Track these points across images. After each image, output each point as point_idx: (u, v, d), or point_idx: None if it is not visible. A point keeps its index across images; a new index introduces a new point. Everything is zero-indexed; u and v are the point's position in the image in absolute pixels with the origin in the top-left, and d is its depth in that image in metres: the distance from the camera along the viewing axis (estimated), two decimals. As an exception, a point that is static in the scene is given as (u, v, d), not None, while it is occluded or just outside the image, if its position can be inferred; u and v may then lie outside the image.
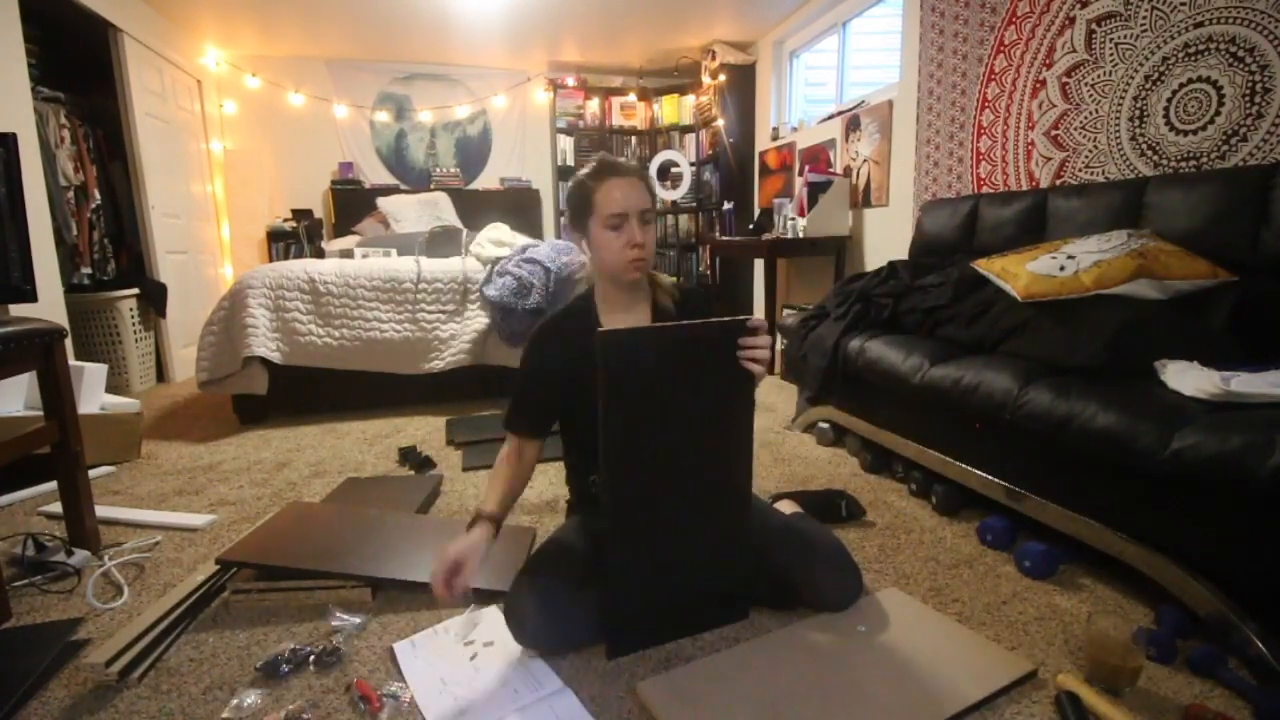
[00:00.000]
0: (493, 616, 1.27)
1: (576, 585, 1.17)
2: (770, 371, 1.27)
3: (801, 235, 3.40)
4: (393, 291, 2.87)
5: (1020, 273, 1.73)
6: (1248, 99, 1.71)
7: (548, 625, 1.14)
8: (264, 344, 2.64)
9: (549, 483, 1.99)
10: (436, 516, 1.78)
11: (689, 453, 1.14)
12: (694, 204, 5.11)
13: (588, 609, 1.15)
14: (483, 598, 1.34)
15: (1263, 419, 1.08)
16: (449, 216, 4.40)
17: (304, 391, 2.83)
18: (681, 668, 1.11)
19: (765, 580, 1.26)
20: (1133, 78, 2.00)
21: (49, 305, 2.58)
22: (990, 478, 1.59)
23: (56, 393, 1.53)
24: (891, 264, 2.36)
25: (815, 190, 3.38)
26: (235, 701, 1.04)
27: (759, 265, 4.61)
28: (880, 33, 3.51)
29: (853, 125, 3.49)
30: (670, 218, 5.30)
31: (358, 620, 1.25)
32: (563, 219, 5.26)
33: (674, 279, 1.39)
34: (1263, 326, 1.46)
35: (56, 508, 1.66)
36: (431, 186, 4.89)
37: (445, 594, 1.09)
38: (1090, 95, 2.14)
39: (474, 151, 5.16)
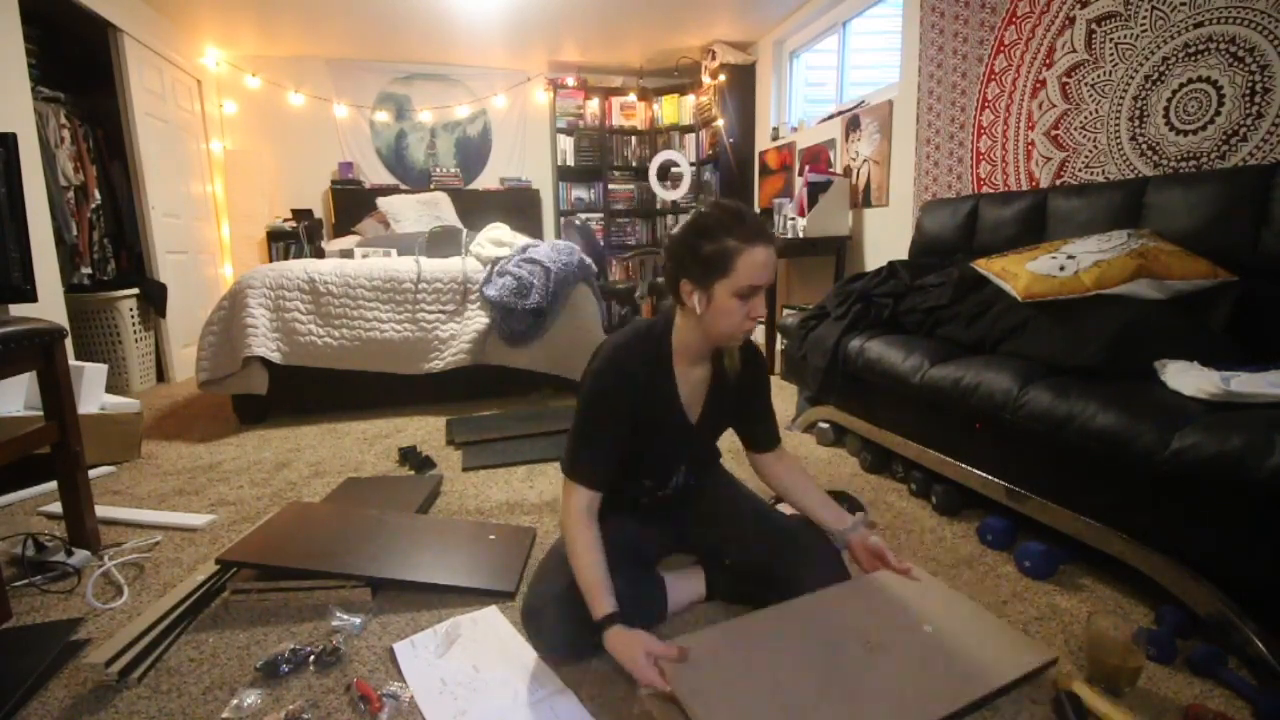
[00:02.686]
0: (492, 618, 1.27)
1: None
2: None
3: (801, 235, 3.40)
4: (393, 291, 2.87)
5: (1020, 273, 1.73)
6: (1248, 99, 1.71)
7: (571, 633, 1.11)
8: (264, 344, 2.64)
9: (549, 483, 1.99)
10: (436, 516, 1.78)
11: None
12: (694, 204, 5.11)
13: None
14: (480, 598, 1.34)
15: (1263, 419, 1.08)
16: (449, 216, 4.39)
17: (304, 391, 2.83)
18: (694, 633, 1.11)
19: (727, 573, 1.29)
20: (1133, 78, 2.00)
21: (49, 305, 2.58)
22: (990, 478, 1.59)
23: (56, 393, 1.53)
24: (891, 264, 2.36)
25: (815, 190, 3.38)
26: (235, 701, 1.04)
27: (759, 265, 4.60)
28: (880, 33, 3.51)
29: (853, 125, 3.49)
30: (670, 218, 5.30)
31: (358, 620, 1.25)
32: (561, 219, 5.26)
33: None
34: (1263, 326, 1.46)
35: (56, 508, 1.66)
36: (431, 186, 4.89)
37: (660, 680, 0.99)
38: (1090, 95, 2.14)
39: (474, 151, 5.16)
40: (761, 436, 1.37)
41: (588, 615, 1.07)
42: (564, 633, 1.12)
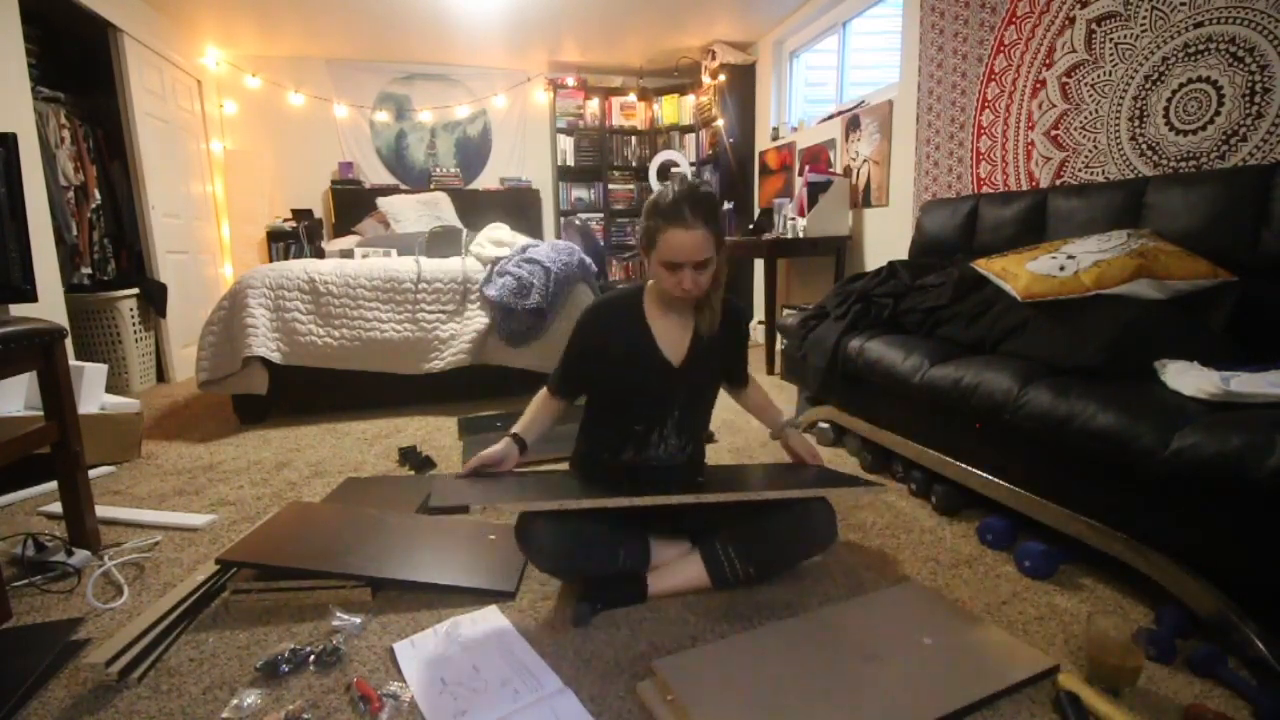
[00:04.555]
0: (492, 618, 1.27)
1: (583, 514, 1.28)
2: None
3: (801, 235, 3.40)
4: (393, 291, 2.87)
5: (1020, 273, 1.73)
6: (1247, 99, 1.71)
7: (561, 542, 1.25)
8: (264, 344, 2.64)
9: (549, 483, 1.99)
10: (436, 516, 1.78)
11: None
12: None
13: (599, 532, 1.28)
14: (480, 598, 1.34)
15: (1263, 419, 1.08)
16: (449, 216, 4.40)
17: (304, 391, 2.83)
18: (696, 649, 1.12)
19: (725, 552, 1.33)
20: (1133, 78, 2.00)
21: (49, 305, 2.58)
22: (990, 478, 1.59)
23: (56, 393, 1.53)
24: (891, 264, 2.36)
25: (815, 190, 3.38)
26: (235, 701, 1.04)
27: (759, 265, 4.61)
28: (880, 33, 3.51)
29: (853, 125, 3.49)
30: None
31: (358, 620, 1.25)
32: (561, 219, 5.26)
33: (724, 298, 1.45)
34: (1263, 326, 1.46)
35: (56, 508, 1.66)
36: (431, 186, 4.89)
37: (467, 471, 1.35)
38: (1090, 95, 2.14)
39: (474, 151, 5.16)
40: (737, 377, 1.63)
41: (575, 526, 1.25)
42: (554, 541, 1.26)
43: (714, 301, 1.41)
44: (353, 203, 4.66)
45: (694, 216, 1.26)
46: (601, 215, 5.28)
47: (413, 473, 2.13)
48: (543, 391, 1.50)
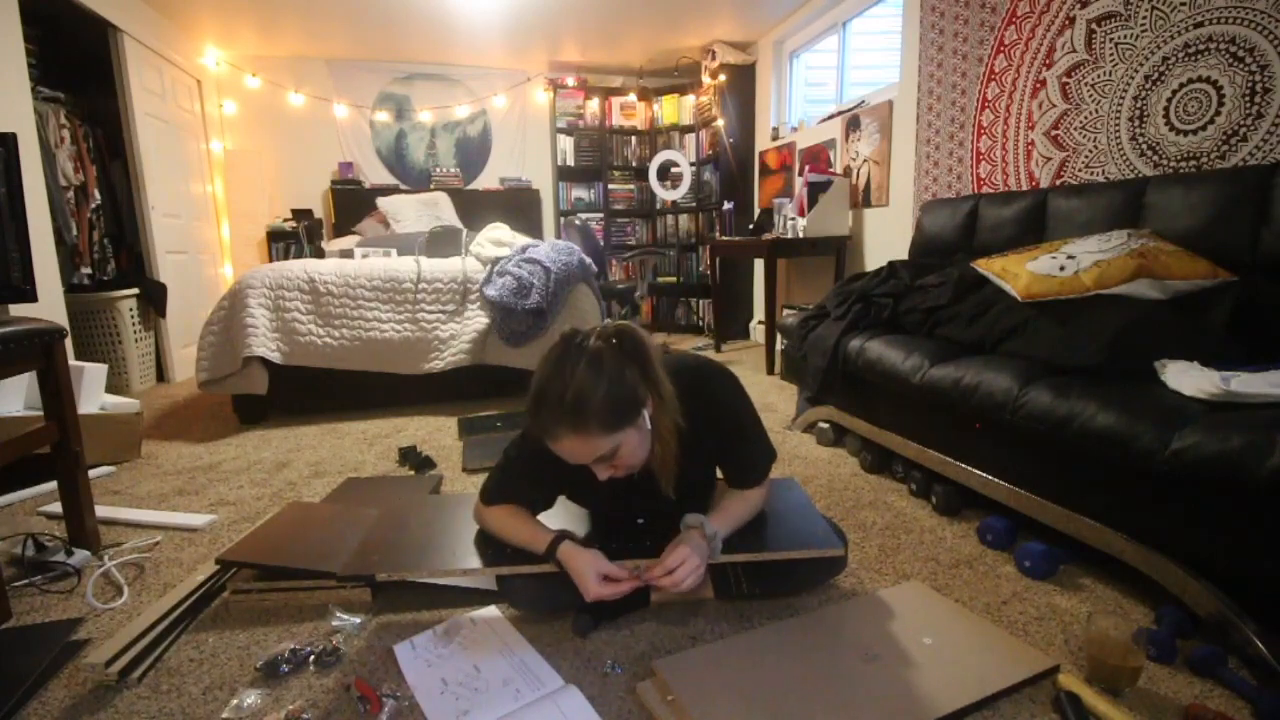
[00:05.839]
0: (493, 618, 1.27)
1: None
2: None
3: (801, 235, 3.40)
4: (393, 291, 2.87)
5: (1020, 273, 1.73)
6: (1248, 99, 1.71)
7: (537, 587, 1.22)
8: (264, 344, 2.64)
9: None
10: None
11: None
12: (694, 204, 5.11)
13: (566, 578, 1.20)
14: (480, 598, 1.34)
15: (1263, 419, 1.08)
16: (449, 216, 4.40)
17: (304, 391, 2.83)
18: (696, 649, 1.12)
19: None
20: (1133, 78, 2.00)
21: (49, 305, 2.58)
22: (990, 478, 1.59)
23: (56, 393, 1.53)
24: (891, 264, 2.36)
25: (815, 190, 3.39)
26: (235, 701, 1.04)
27: (759, 265, 4.61)
28: (880, 33, 3.51)
29: (853, 125, 3.49)
30: (670, 218, 5.31)
31: (358, 620, 1.25)
32: (561, 219, 5.26)
33: (679, 426, 1.12)
34: (1263, 326, 1.46)
35: (56, 508, 1.66)
36: (431, 186, 4.89)
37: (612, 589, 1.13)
38: (1090, 95, 2.14)
39: (474, 151, 5.16)
40: (735, 479, 1.30)
41: (550, 576, 1.18)
42: (527, 591, 1.22)
43: (658, 462, 1.14)
44: (353, 203, 4.66)
45: (558, 426, 1.01)
46: (601, 215, 5.29)
47: (413, 473, 2.13)
48: (489, 507, 1.27)
